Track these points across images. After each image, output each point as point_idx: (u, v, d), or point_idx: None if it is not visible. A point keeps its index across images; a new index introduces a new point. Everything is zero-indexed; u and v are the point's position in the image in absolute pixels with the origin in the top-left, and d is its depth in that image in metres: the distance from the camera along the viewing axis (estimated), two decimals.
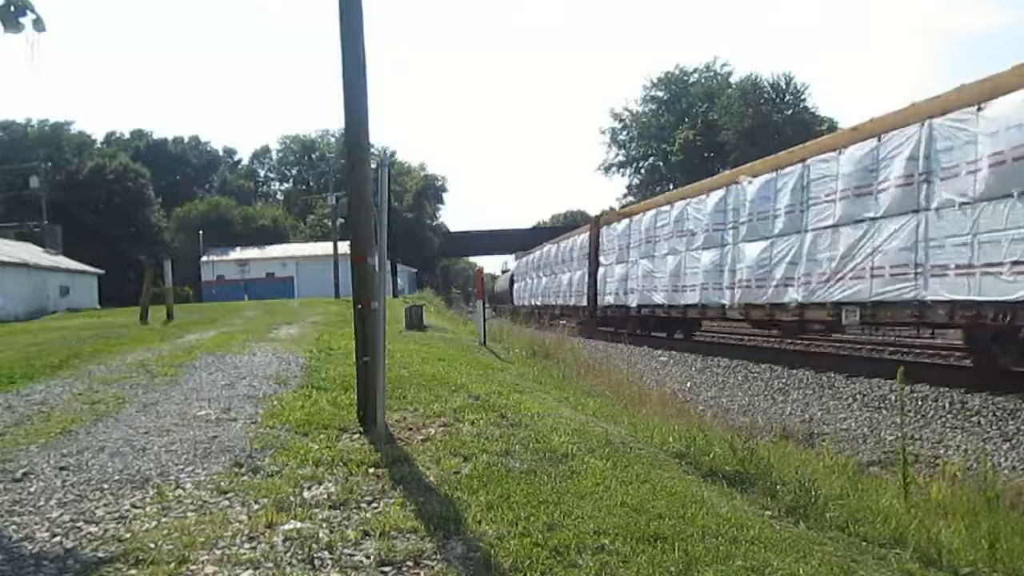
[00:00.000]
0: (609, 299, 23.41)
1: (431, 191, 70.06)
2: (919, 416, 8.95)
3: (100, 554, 2.87)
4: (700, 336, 21.22)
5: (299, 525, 3.16)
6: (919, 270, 10.29)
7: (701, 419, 8.14)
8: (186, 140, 77.92)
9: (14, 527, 3.18)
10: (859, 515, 4.13)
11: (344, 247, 30.00)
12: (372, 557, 2.87)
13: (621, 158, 68.94)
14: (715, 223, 16.51)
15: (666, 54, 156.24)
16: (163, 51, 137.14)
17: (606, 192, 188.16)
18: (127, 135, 73.32)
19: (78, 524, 3.21)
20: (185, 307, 25.97)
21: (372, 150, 5.67)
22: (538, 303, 35.02)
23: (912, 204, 10.44)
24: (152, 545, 2.92)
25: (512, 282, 43.99)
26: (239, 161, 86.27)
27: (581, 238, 27.94)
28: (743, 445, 5.28)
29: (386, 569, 2.79)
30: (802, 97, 55.01)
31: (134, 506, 3.42)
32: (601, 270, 24.43)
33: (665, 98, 66.35)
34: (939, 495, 5.02)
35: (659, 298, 19.48)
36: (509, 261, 57.00)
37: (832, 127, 46.91)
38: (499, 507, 3.41)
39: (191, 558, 2.82)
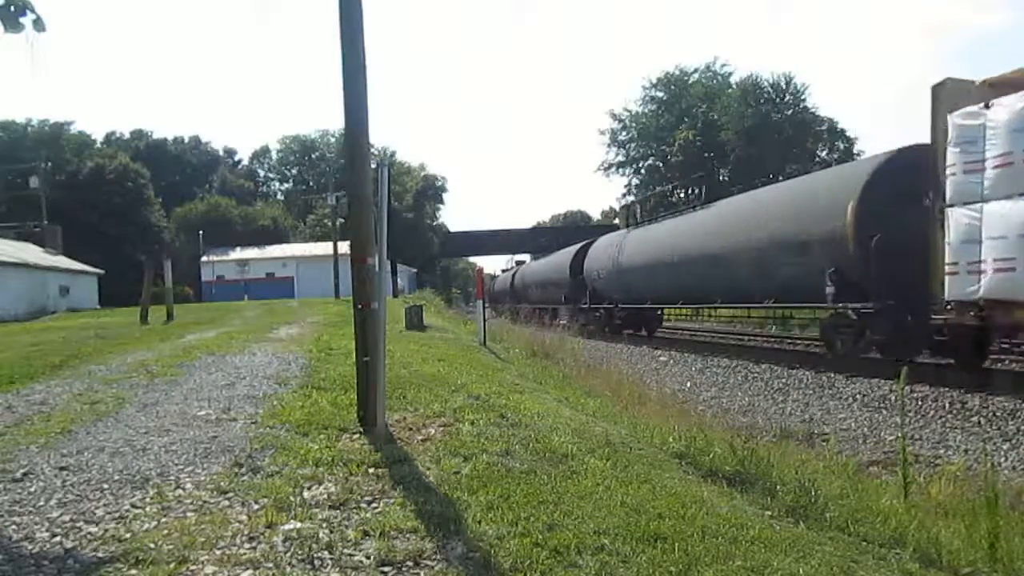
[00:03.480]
0: None
1: (431, 191, 70.01)
2: (919, 416, 8.95)
3: (100, 554, 2.87)
4: None
5: (299, 525, 3.16)
6: None
7: (701, 419, 8.14)
8: (186, 140, 78.00)
9: (14, 527, 3.18)
10: (859, 515, 4.13)
11: (344, 247, 29.94)
12: (372, 557, 2.87)
13: (621, 158, 69.02)
14: None
15: (666, 54, 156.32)
16: (163, 51, 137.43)
17: (606, 192, 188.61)
18: (127, 135, 73.34)
19: (78, 524, 3.20)
20: (185, 307, 25.96)
21: (372, 150, 5.67)
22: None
23: None
24: (152, 545, 2.92)
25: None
26: (239, 161, 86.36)
27: None
28: (743, 445, 5.29)
29: (386, 569, 2.79)
30: (802, 97, 55.19)
31: (134, 506, 3.42)
32: None
33: (665, 98, 66.37)
34: (939, 495, 5.02)
35: None
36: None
37: (832, 127, 47.02)
38: (499, 507, 3.40)
39: (191, 558, 2.82)
